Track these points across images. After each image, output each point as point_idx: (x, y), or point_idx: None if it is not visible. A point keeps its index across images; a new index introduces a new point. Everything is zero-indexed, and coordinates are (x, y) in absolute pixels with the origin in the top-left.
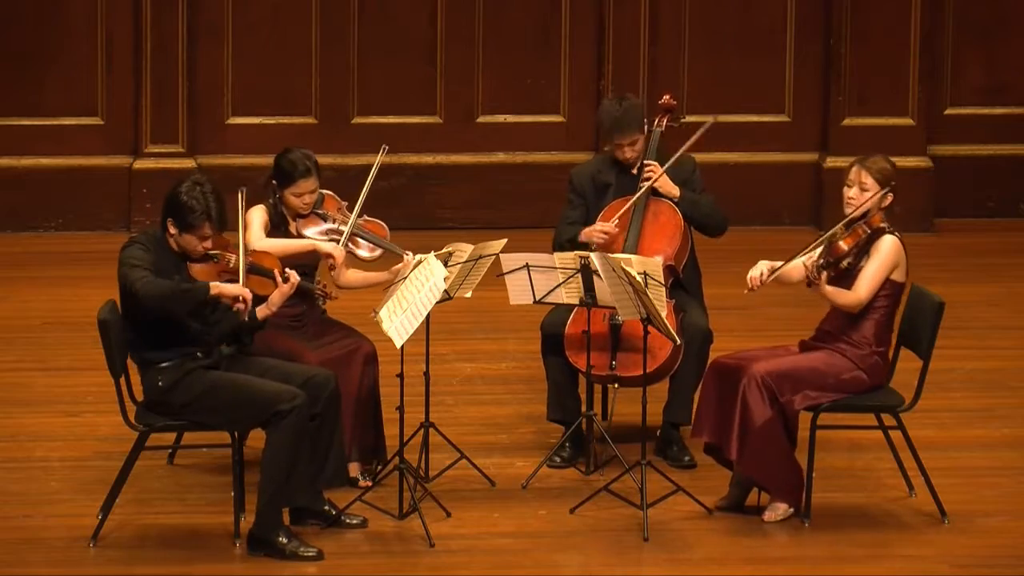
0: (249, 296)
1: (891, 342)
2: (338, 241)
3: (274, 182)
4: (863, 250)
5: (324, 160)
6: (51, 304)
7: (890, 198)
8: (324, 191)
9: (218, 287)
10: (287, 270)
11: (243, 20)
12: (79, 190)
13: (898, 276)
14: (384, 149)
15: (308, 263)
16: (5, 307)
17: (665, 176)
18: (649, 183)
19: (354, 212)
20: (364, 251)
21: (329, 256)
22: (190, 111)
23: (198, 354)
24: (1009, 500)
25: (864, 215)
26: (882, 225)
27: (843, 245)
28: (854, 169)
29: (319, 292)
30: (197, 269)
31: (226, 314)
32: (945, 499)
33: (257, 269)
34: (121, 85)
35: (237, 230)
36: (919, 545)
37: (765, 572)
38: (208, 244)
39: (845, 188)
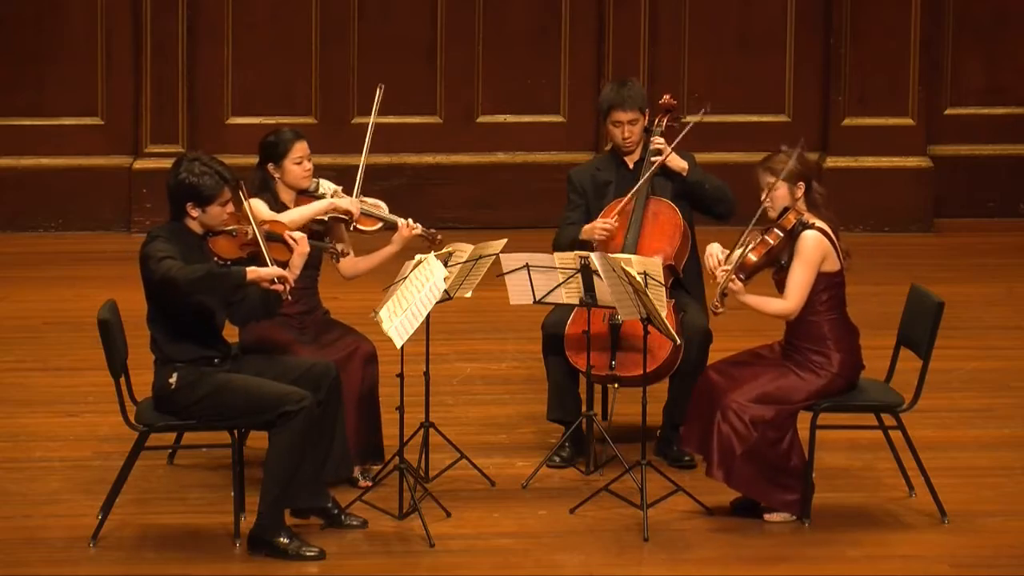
0: (287, 274)
1: (854, 331)
2: (349, 221)
3: (269, 166)
4: (782, 251)
5: (324, 160)
6: (51, 304)
7: (801, 190)
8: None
9: (255, 272)
10: (293, 232)
11: (243, 20)
12: (79, 190)
13: (829, 267)
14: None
15: (309, 261)
16: (5, 307)
17: (673, 153)
18: (660, 158)
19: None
20: (365, 226)
21: (347, 212)
22: (190, 111)
23: (215, 360)
24: (1009, 500)
25: (778, 217)
26: (797, 223)
27: (752, 257)
28: (757, 173)
29: (332, 250)
30: (220, 246)
31: (248, 288)
32: (945, 499)
33: (274, 236)
34: (121, 85)
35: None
36: (919, 545)
37: (765, 572)
38: (231, 208)
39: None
